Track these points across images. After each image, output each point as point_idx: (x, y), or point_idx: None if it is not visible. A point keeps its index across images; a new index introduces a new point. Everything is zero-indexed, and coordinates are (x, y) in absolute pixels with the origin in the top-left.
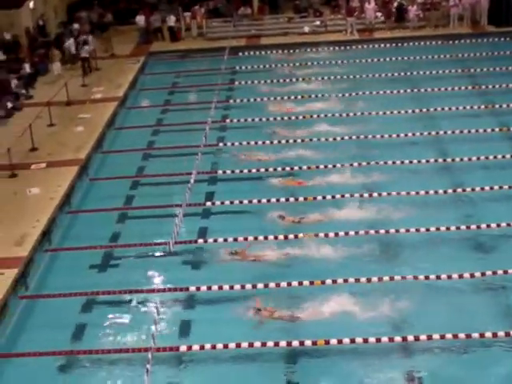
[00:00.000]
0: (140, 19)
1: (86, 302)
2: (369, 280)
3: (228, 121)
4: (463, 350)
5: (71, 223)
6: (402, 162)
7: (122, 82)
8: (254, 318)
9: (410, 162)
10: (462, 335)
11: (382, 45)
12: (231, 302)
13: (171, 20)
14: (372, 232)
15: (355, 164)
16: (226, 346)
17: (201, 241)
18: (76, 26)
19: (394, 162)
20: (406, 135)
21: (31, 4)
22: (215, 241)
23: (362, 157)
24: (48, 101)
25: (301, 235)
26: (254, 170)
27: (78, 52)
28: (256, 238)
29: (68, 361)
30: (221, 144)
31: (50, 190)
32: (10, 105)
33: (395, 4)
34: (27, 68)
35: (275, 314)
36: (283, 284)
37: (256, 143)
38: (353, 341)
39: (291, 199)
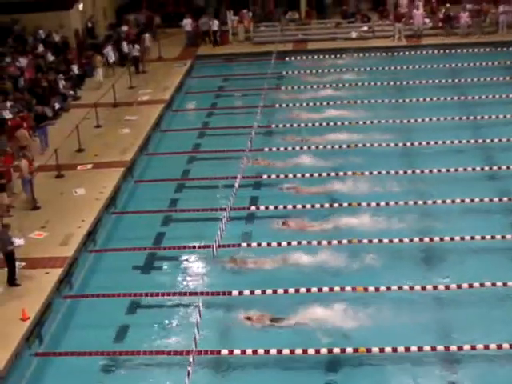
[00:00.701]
0: (186, 23)
1: (129, 304)
2: (411, 288)
3: (273, 126)
4: (506, 361)
5: (116, 224)
6: (448, 170)
7: (169, 85)
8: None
9: (456, 170)
10: (506, 345)
11: (430, 51)
12: (274, 306)
13: (215, 24)
14: (416, 239)
15: (400, 172)
16: (267, 352)
17: (244, 245)
18: (124, 28)
19: (439, 170)
20: (452, 142)
21: (80, 6)
22: (259, 245)
23: (408, 164)
24: (95, 102)
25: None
26: (307, 175)
27: (126, 53)
28: (299, 243)
29: (110, 361)
30: (266, 149)
31: (95, 190)
32: (57, 105)
33: (443, 11)
34: (75, 69)
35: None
36: (336, 289)
37: (301, 148)
38: (395, 350)
39: (335, 205)
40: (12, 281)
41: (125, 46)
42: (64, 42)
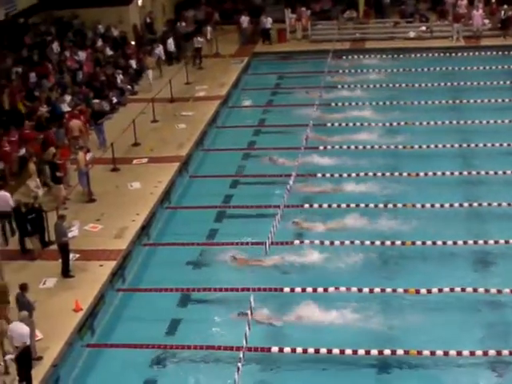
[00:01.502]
0: (244, 20)
1: (181, 298)
2: (463, 290)
3: (329, 124)
4: None
5: (170, 219)
6: (505, 173)
7: (226, 81)
8: None
9: None
10: None
11: (489, 52)
12: (328, 304)
13: (268, 22)
14: (470, 242)
15: (456, 173)
16: (317, 351)
17: (297, 242)
18: (182, 24)
19: (495, 173)
20: (509, 145)
21: (140, 1)
22: (311, 242)
23: (464, 166)
24: (152, 97)
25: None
26: (362, 174)
27: (179, 51)
28: (352, 242)
29: (160, 355)
30: (321, 147)
31: (150, 185)
32: (115, 99)
33: (502, 12)
34: (133, 64)
35: None
36: (377, 290)
37: (356, 148)
38: (446, 353)
39: (389, 205)
40: (66, 272)
41: (162, 53)
42: (122, 36)
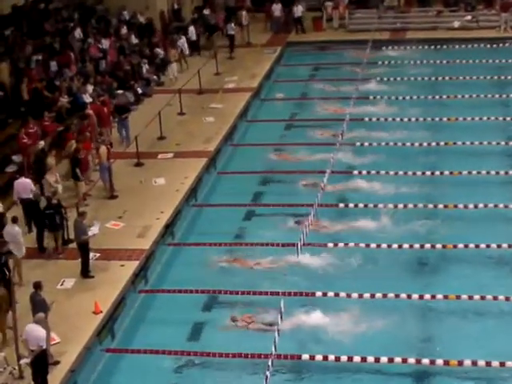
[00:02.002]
0: (276, 8)
1: (205, 301)
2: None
3: (367, 119)
4: None
5: (196, 217)
6: None
7: (257, 72)
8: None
9: None
10: None
11: None
12: (362, 311)
13: (299, 10)
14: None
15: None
16: (350, 359)
17: (330, 245)
18: (207, 11)
19: None
20: None
21: None
22: (346, 245)
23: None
24: (179, 88)
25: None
26: (401, 173)
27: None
28: (378, 246)
29: (183, 361)
30: (358, 144)
31: (176, 181)
32: (140, 90)
33: None
34: (160, 53)
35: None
36: (414, 296)
37: (404, 144)
38: (488, 364)
39: (429, 206)
40: (86, 272)
41: (185, 46)
42: (149, 24)
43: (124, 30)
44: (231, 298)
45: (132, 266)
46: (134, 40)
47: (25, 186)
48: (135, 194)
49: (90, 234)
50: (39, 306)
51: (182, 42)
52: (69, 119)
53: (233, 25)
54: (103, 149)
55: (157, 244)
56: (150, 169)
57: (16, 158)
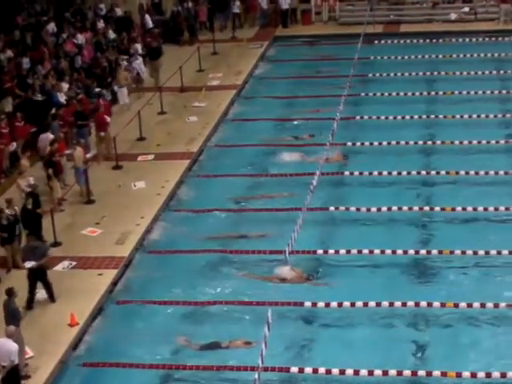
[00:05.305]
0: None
1: (188, 312)
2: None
3: (358, 118)
4: None
5: (178, 223)
6: None
7: (242, 69)
8: None
9: None
10: None
11: None
12: (355, 320)
13: (285, 2)
14: None
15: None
16: (342, 372)
17: (320, 252)
18: (190, 4)
19: None
20: None
21: None
22: (336, 252)
23: None
24: (160, 86)
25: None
26: (384, 173)
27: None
28: (383, 252)
29: (164, 375)
30: (349, 143)
31: (156, 184)
32: (117, 89)
33: None
34: (139, 49)
35: None
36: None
37: (389, 143)
38: (488, 375)
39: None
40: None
41: (142, 67)
42: (127, 17)
43: (101, 25)
44: (216, 309)
45: (110, 274)
46: (112, 35)
47: None
48: (113, 199)
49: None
50: (12, 315)
51: (139, 62)
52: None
53: (237, 2)
54: (78, 151)
55: (137, 251)
56: (129, 172)
57: None
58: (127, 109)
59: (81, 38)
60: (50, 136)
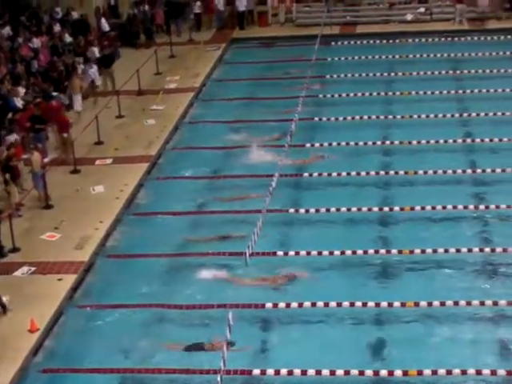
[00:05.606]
0: (219, 1)
1: (149, 316)
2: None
3: (317, 119)
4: None
5: (137, 227)
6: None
7: (200, 71)
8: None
9: None
10: None
11: (496, 37)
12: (315, 322)
13: (242, 4)
14: None
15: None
16: (304, 373)
17: (280, 253)
18: (147, 7)
19: (493, 170)
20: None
21: None
22: (297, 254)
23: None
24: (117, 90)
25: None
26: (343, 174)
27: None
28: (343, 253)
29: (125, 380)
30: (308, 145)
31: (115, 188)
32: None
33: None
34: (96, 52)
35: None
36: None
37: (347, 144)
38: (449, 372)
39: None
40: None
41: (96, 75)
42: (83, 20)
43: (57, 28)
44: (177, 313)
45: (70, 279)
46: (68, 38)
47: None
48: (72, 203)
49: None
50: None
51: (93, 71)
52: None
53: (198, 2)
54: (36, 156)
55: (96, 256)
56: (88, 176)
57: None
58: (78, 118)
59: (37, 42)
60: (9, 140)
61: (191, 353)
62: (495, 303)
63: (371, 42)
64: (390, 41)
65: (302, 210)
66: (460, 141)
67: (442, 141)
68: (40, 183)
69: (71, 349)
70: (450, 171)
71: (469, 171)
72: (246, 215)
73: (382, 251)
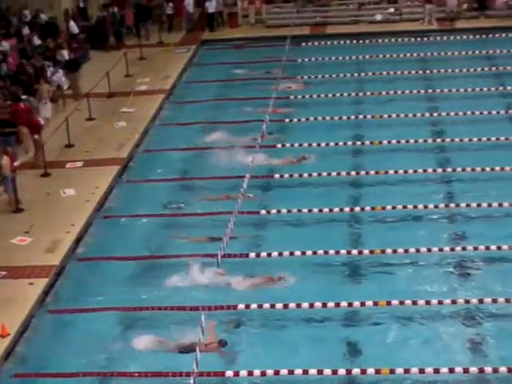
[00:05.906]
0: (188, 3)
1: (122, 318)
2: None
3: (287, 120)
4: None
5: (109, 230)
6: (483, 170)
7: (170, 73)
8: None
9: (492, 170)
10: None
11: (465, 36)
12: (288, 323)
13: (212, 6)
14: None
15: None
16: (276, 373)
17: (252, 255)
18: (116, 9)
19: (473, 169)
20: (497, 139)
21: None
22: (269, 255)
23: (441, 162)
24: (87, 92)
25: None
26: (314, 174)
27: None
28: (315, 253)
29: (101, 383)
30: (279, 145)
31: (86, 191)
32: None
33: None
34: (65, 55)
35: None
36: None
37: (319, 145)
38: (422, 371)
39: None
40: None
41: (62, 80)
42: (52, 23)
43: (26, 31)
44: (150, 314)
45: (41, 283)
46: (37, 41)
47: None
48: (43, 207)
49: None
50: None
51: (59, 75)
52: None
53: (170, 3)
54: (5, 160)
55: (68, 259)
56: (58, 179)
57: None
58: (48, 123)
59: (5, 45)
60: None
61: (166, 354)
62: (467, 301)
63: (341, 42)
64: (360, 41)
65: (274, 211)
66: (430, 140)
67: (412, 140)
68: (10, 187)
69: (43, 353)
70: (420, 170)
71: (439, 170)
72: (218, 217)
73: (354, 251)
